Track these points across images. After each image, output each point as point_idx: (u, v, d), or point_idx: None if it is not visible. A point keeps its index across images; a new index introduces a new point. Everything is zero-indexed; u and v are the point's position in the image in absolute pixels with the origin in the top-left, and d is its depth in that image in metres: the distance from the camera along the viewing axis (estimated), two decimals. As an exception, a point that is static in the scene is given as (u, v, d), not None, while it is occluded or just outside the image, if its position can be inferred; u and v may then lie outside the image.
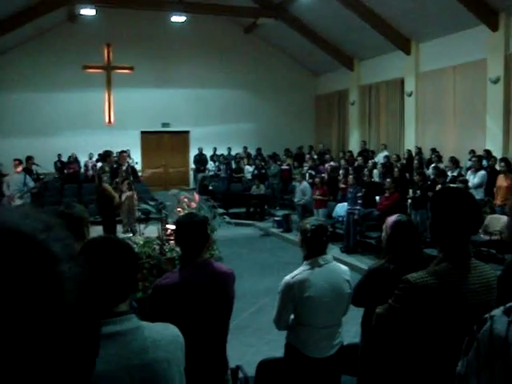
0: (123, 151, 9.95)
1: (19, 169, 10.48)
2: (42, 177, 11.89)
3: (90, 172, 16.39)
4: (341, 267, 3.40)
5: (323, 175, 13.44)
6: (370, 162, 14.01)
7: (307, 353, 3.23)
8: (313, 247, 3.24)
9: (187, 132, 19.53)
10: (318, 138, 20.49)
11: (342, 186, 12.02)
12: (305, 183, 12.63)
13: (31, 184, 10.45)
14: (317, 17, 15.78)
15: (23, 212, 0.52)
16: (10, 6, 13.89)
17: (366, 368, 3.30)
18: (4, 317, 0.44)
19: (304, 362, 3.23)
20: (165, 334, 1.65)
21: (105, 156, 8.85)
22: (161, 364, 1.56)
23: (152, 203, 7.37)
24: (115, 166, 9.09)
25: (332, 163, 14.99)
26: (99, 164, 16.14)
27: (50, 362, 0.47)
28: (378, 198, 10.65)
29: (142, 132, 18.87)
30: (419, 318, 2.08)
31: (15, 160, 10.67)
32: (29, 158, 10.80)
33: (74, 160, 16.76)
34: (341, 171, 13.11)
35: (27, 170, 10.94)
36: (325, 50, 17.52)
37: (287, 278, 3.23)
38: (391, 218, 3.22)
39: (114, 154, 9.44)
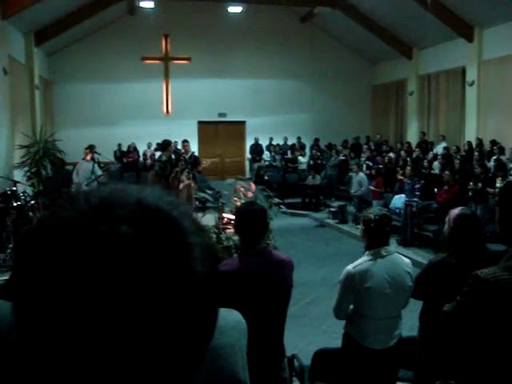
0: (185, 141, 10.11)
1: (89, 157, 10.81)
2: (102, 165, 12.24)
3: (149, 161, 16.80)
4: (403, 259, 3.36)
5: (380, 166, 13.25)
6: (430, 153, 13.70)
7: (365, 343, 3.22)
8: (375, 238, 3.22)
9: (243, 122, 19.64)
10: (375, 128, 20.14)
11: (400, 177, 11.82)
12: (362, 174, 12.47)
13: (99, 172, 10.79)
14: (374, 5, 15.46)
15: (158, 193, 0.56)
16: (75, 1, 14.36)
17: (424, 363, 3.26)
18: (145, 281, 0.48)
19: (362, 352, 3.22)
20: (228, 319, 1.68)
21: (164, 145, 9.03)
22: (225, 349, 1.60)
23: (209, 192, 7.48)
24: (174, 155, 9.26)
25: (391, 154, 14.74)
26: (158, 153, 16.57)
27: (179, 332, 0.51)
28: (436, 190, 10.42)
29: (199, 122, 19.12)
30: (490, 316, 2.01)
31: (86, 149, 10.98)
32: (91, 147, 11.13)
33: (133, 149, 17.18)
34: (399, 162, 12.90)
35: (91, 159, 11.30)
36: (382, 38, 17.16)
37: (349, 267, 3.23)
38: (455, 211, 3.16)
39: (173, 144, 9.61)
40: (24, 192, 8.44)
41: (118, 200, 0.53)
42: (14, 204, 7.91)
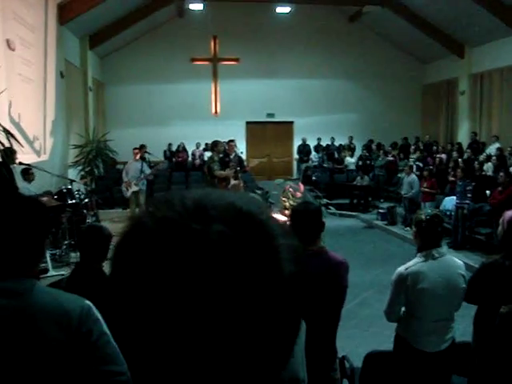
0: (231, 140, 10.21)
1: (138, 157, 11.09)
2: (152, 165, 12.49)
3: (198, 161, 17.03)
4: (456, 261, 3.30)
5: (431, 167, 13.00)
6: (483, 154, 13.34)
7: (417, 345, 3.19)
8: (427, 239, 3.18)
9: (291, 122, 19.61)
10: (424, 128, 19.72)
11: (452, 179, 11.56)
12: (413, 175, 12.25)
13: (147, 171, 11.03)
14: (425, 2, 15.14)
15: (247, 197, 0.60)
16: (127, 5, 14.74)
17: (479, 369, 3.20)
18: (238, 279, 0.51)
19: (414, 355, 3.19)
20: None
21: (213, 146, 9.13)
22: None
23: (258, 192, 7.52)
24: (223, 155, 9.35)
25: (443, 155, 14.42)
26: (206, 153, 16.76)
27: (267, 329, 0.53)
28: (488, 192, 10.14)
29: (247, 122, 19.23)
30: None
31: (135, 149, 11.27)
32: (142, 147, 11.39)
33: (182, 149, 17.43)
34: (450, 164, 12.61)
35: (141, 158, 11.55)
36: (433, 37, 16.77)
37: (401, 268, 3.20)
38: (509, 213, 3.10)
39: (223, 144, 9.71)
40: (78, 190, 8.70)
41: (211, 202, 0.56)
42: (69, 202, 8.15)
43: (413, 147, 16.47)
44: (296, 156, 19.10)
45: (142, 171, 10.86)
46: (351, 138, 18.65)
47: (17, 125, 9.12)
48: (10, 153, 6.33)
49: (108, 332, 1.71)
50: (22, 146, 8.00)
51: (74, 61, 14.19)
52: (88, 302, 1.73)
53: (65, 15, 12.45)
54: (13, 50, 9.28)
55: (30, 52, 10.43)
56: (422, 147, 16.56)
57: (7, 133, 6.04)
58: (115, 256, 0.59)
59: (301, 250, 0.58)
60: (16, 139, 6.26)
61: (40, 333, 1.58)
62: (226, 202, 0.57)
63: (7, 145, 6.08)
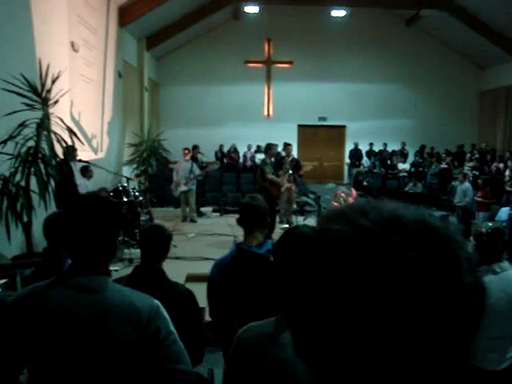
0: (288, 144, 10.23)
1: (188, 157, 11.25)
2: (203, 165, 12.65)
3: (249, 162, 17.13)
4: (519, 276, 3.20)
5: (487, 176, 12.65)
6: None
7: (475, 362, 3.11)
8: (488, 252, 3.10)
9: (343, 126, 19.47)
10: (480, 136, 19.17)
11: (509, 188, 11.22)
12: (466, 183, 11.95)
13: (197, 171, 11.18)
14: (485, 6, 14.74)
15: (422, 210, 0.64)
16: (183, 8, 15.00)
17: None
18: (433, 287, 0.56)
19: (471, 371, 3.12)
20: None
21: (267, 148, 9.17)
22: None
23: (311, 196, 7.51)
24: (276, 158, 9.39)
25: (500, 164, 14.00)
26: (257, 155, 16.85)
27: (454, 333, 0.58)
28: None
29: (299, 125, 19.20)
30: None
31: (185, 149, 11.45)
32: (195, 147, 11.57)
33: (233, 150, 17.56)
34: (507, 173, 12.24)
35: (193, 158, 11.72)
36: (493, 41, 16.29)
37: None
38: None
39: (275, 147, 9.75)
40: (134, 188, 8.91)
41: (405, 215, 0.60)
42: (125, 199, 8.35)
43: (468, 155, 16.06)
44: (347, 160, 18.95)
45: (191, 171, 11.01)
46: (404, 143, 18.38)
47: (77, 123, 9.43)
48: (71, 150, 6.55)
49: (175, 331, 1.77)
50: (83, 144, 8.27)
51: (131, 61, 14.55)
52: (157, 301, 1.79)
53: (124, 18, 12.83)
54: (76, 51, 9.62)
55: (92, 53, 10.77)
56: (477, 155, 16.14)
57: (70, 131, 6.24)
58: (308, 259, 0.63)
59: (473, 260, 0.62)
60: (78, 137, 6.46)
61: (112, 329, 1.65)
62: (416, 216, 0.61)
63: (70, 143, 6.28)
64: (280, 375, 1.58)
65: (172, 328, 1.76)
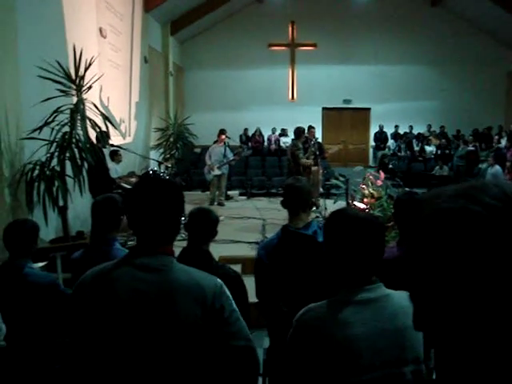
0: (311, 127, 10.21)
1: (222, 141, 11.26)
2: (235, 152, 12.71)
3: (273, 146, 17.14)
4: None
5: (515, 158, 12.47)
6: None
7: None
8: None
9: (368, 109, 19.30)
10: (508, 118, 18.84)
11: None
12: (497, 167, 11.77)
13: (230, 156, 11.21)
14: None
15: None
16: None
17: None
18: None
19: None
20: (405, 304, 1.77)
21: (299, 133, 9.15)
22: (409, 330, 1.69)
23: (341, 179, 7.51)
24: (303, 141, 9.38)
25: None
26: (282, 138, 16.83)
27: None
28: None
29: (324, 108, 19.10)
30: None
31: (220, 133, 11.41)
32: (222, 131, 11.58)
33: (258, 134, 17.57)
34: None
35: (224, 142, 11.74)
36: (523, 19, 15.95)
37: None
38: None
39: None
40: (163, 172, 9.00)
41: None
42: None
43: (496, 137, 15.82)
44: (372, 143, 18.82)
45: (224, 155, 11.06)
46: (429, 126, 18.18)
47: (106, 108, 9.53)
48: (105, 135, 6.66)
49: (237, 309, 1.82)
50: (116, 129, 8.38)
51: (156, 46, 14.60)
52: (220, 280, 1.84)
53: (150, 3, 12.86)
54: (104, 37, 9.70)
55: (119, 39, 10.84)
56: (505, 137, 15.89)
57: (104, 117, 6.34)
58: (432, 236, 0.66)
59: None
60: (111, 123, 6.56)
61: (180, 307, 1.70)
62: None
63: (103, 128, 6.38)
64: (344, 353, 1.63)
65: (235, 306, 1.81)
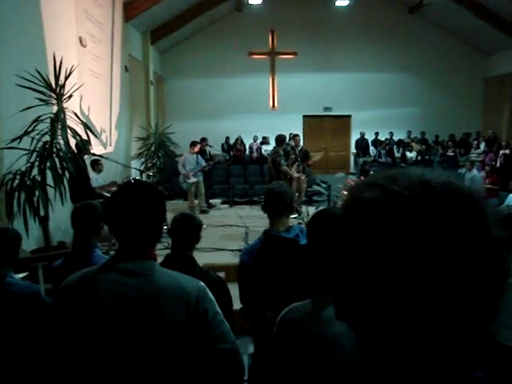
0: (296, 135, 10.29)
1: (195, 150, 11.29)
2: (210, 158, 12.71)
3: (255, 154, 17.16)
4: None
5: (494, 163, 12.68)
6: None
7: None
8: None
9: (349, 116, 19.47)
10: (485, 123, 19.11)
11: (517, 174, 11.26)
12: (474, 171, 11.99)
13: (202, 163, 11.26)
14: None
15: (447, 173, 0.69)
16: (187, 0, 15.02)
17: None
18: (458, 245, 0.61)
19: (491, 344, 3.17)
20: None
21: (281, 140, 9.20)
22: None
23: (323, 185, 7.56)
24: (286, 148, 9.43)
25: (507, 150, 14.01)
26: (264, 146, 16.87)
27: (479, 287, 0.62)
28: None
29: (305, 116, 19.20)
30: None
31: (193, 142, 11.46)
32: (203, 140, 11.61)
33: (240, 142, 17.57)
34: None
35: (201, 151, 11.75)
36: (498, 27, 16.21)
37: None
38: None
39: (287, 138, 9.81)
40: (145, 181, 8.97)
41: (433, 178, 0.65)
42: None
43: (475, 142, 16.06)
44: (353, 150, 18.95)
45: (197, 163, 11.12)
46: (409, 132, 18.40)
47: (86, 117, 9.48)
48: (86, 144, 6.61)
49: (220, 312, 1.83)
50: (97, 138, 8.33)
51: (136, 55, 14.58)
52: (202, 283, 1.85)
53: (129, 12, 12.86)
54: (84, 46, 9.66)
55: (99, 48, 10.80)
56: (483, 142, 16.14)
57: (85, 125, 6.30)
58: (344, 226, 0.68)
59: (503, 215, 0.67)
60: (92, 131, 6.53)
61: (164, 311, 1.70)
62: (442, 179, 0.66)
63: (84, 137, 6.34)
64: (327, 350, 1.64)
65: (218, 309, 1.82)
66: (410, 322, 0.62)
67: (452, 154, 15.77)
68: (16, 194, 5.66)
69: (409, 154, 16.77)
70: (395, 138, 18.24)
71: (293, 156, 9.50)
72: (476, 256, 0.61)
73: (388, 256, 0.61)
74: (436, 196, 0.63)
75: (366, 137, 18.24)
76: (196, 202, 11.28)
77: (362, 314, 0.66)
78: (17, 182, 5.69)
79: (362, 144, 18.13)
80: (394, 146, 17.66)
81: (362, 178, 8.18)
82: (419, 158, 16.32)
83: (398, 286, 0.61)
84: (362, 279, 0.64)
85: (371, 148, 18.04)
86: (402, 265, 0.60)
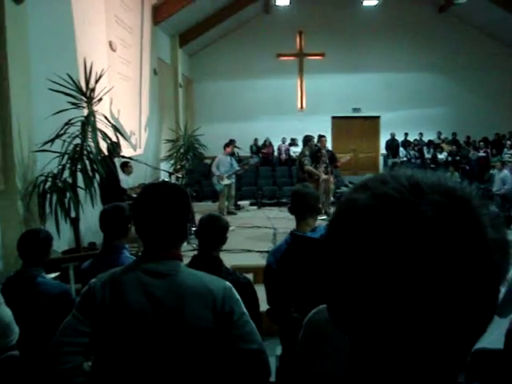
0: (322, 136, 10.25)
1: (227, 151, 11.39)
2: (242, 160, 12.76)
3: (283, 155, 17.14)
4: None
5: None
6: None
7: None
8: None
9: (378, 117, 19.28)
10: (518, 123, 18.70)
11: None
12: (505, 171, 11.76)
13: (235, 165, 11.32)
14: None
15: (440, 173, 0.66)
16: (215, 3, 15.10)
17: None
18: (449, 248, 0.58)
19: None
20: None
21: (306, 141, 9.20)
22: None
23: (351, 186, 7.47)
24: (314, 150, 9.42)
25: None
26: (292, 148, 16.85)
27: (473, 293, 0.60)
28: None
29: (333, 117, 19.09)
30: None
31: (226, 144, 11.58)
32: (231, 142, 11.66)
33: (268, 144, 17.57)
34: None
35: (230, 153, 11.83)
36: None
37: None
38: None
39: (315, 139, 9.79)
40: (174, 183, 9.07)
41: (423, 179, 0.63)
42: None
43: (508, 142, 15.73)
44: (382, 151, 18.75)
45: (231, 165, 11.18)
46: (439, 133, 18.13)
47: (116, 120, 9.61)
48: (116, 146, 6.72)
49: (247, 312, 1.83)
50: (127, 140, 8.44)
51: (165, 59, 14.73)
52: (228, 283, 1.85)
53: (158, 16, 13.00)
54: (114, 50, 9.81)
55: (128, 52, 10.95)
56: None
57: (115, 128, 6.40)
58: (334, 229, 0.67)
59: (500, 218, 0.65)
60: (122, 134, 6.63)
61: (191, 311, 1.71)
62: (433, 179, 0.64)
63: (114, 139, 6.44)
64: None
65: (244, 309, 1.82)
66: (402, 328, 0.60)
67: (484, 154, 15.48)
68: (48, 195, 5.78)
69: (439, 155, 16.52)
70: (425, 139, 17.97)
71: (323, 158, 9.47)
72: (469, 259, 0.59)
73: (377, 259, 0.60)
74: (424, 196, 0.61)
75: (396, 137, 18.01)
76: (226, 203, 11.35)
77: (354, 320, 0.64)
78: (49, 184, 5.81)
79: (392, 145, 17.88)
80: (424, 147, 17.41)
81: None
82: (449, 158, 16.07)
83: (387, 289, 0.59)
84: (351, 284, 0.63)
85: (401, 149, 17.81)
86: (391, 268, 0.59)
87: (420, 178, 0.64)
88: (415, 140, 17.82)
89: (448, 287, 0.58)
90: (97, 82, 6.40)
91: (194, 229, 7.27)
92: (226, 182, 11.07)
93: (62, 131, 5.91)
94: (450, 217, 0.59)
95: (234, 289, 1.83)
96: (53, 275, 4.79)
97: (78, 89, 6.20)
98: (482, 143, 16.45)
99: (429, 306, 0.58)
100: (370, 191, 0.64)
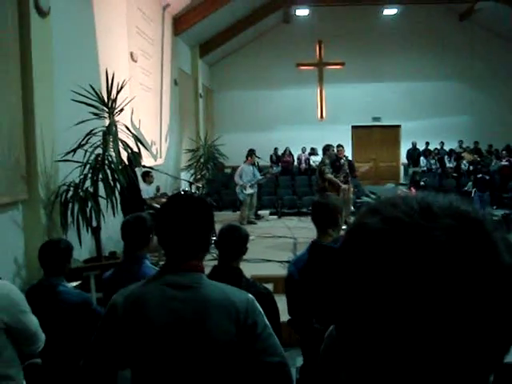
0: (340, 146, 10.23)
1: (250, 161, 11.50)
2: (263, 170, 12.80)
3: (303, 165, 17.11)
4: None
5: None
6: None
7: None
8: None
9: (398, 126, 19.18)
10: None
11: None
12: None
13: (258, 175, 11.40)
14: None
15: (452, 196, 0.65)
16: (235, 14, 15.20)
17: None
18: (463, 273, 0.56)
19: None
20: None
21: (325, 149, 9.20)
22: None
23: (372, 196, 7.45)
24: (334, 159, 9.40)
25: None
26: (312, 157, 16.81)
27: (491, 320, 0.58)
28: None
29: (353, 126, 19.05)
30: None
31: (249, 154, 11.70)
32: (251, 151, 11.71)
33: (288, 153, 17.56)
34: None
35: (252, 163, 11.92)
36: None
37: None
38: None
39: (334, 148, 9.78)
40: (195, 193, 9.10)
41: (434, 202, 0.62)
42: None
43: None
44: (403, 160, 18.60)
45: (254, 175, 11.25)
46: (461, 141, 17.93)
47: (137, 130, 9.70)
48: (137, 156, 6.77)
49: (269, 324, 1.81)
50: (148, 150, 8.51)
51: (185, 69, 14.85)
52: (251, 295, 1.84)
53: (179, 27, 13.14)
54: (135, 61, 9.92)
55: (149, 62, 11.06)
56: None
57: (136, 138, 6.45)
58: (345, 254, 0.65)
59: None
60: (143, 144, 6.68)
61: (213, 324, 1.69)
62: (445, 202, 0.62)
63: (135, 149, 6.49)
64: None
65: (267, 321, 1.80)
66: (412, 352, 0.57)
67: (506, 163, 15.25)
68: (70, 205, 5.84)
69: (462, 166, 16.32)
70: (446, 148, 17.80)
71: (343, 167, 9.44)
72: (485, 285, 0.56)
73: (388, 286, 0.58)
74: (437, 220, 0.59)
75: (417, 147, 17.85)
76: (247, 212, 11.38)
77: (363, 341, 0.62)
78: (71, 193, 5.87)
79: (413, 154, 17.73)
80: (445, 156, 17.23)
81: (412, 188, 8.01)
82: (471, 168, 15.86)
83: (400, 317, 0.57)
84: (362, 314, 0.61)
85: (421, 158, 17.65)
86: (404, 295, 0.57)
87: (431, 201, 0.62)
88: (435, 149, 17.65)
89: (463, 315, 0.56)
90: (118, 92, 6.46)
91: (214, 238, 7.27)
92: (250, 191, 11.16)
93: (84, 141, 5.98)
94: (464, 242, 0.57)
95: (256, 301, 1.81)
96: (74, 284, 4.82)
97: (100, 99, 6.27)
98: (504, 152, 16.21)
99: (443, 334, 0.56)
100: (380, 215, 0.62)
